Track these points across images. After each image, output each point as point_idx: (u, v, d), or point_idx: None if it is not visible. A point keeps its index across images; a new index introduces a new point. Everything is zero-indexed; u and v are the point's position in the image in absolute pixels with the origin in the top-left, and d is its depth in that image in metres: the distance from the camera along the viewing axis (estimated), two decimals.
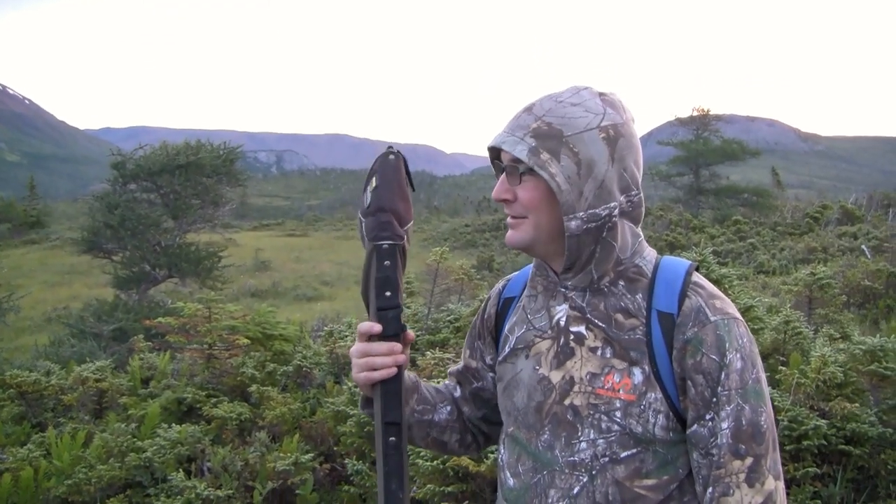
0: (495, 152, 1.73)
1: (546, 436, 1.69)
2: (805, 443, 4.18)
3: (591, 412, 1.63)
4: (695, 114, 44.47)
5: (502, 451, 1.83)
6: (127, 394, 6.69)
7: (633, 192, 1.67)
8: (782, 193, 50.44)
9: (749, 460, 1.53)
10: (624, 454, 1.61)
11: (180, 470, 4.71)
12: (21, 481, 4.95)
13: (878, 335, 5.18)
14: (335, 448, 5.22)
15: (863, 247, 20.28)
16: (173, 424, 5.41)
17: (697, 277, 1.68)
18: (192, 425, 5.41)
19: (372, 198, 1.76)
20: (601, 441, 1.62)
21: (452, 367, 2.09)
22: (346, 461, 4.85)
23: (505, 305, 1.93)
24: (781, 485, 1.57)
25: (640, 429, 1.59)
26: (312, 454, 4.88)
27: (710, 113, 44.68)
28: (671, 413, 1.60)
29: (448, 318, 7.69)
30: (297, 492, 4.67)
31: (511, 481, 1.75)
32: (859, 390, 4.80)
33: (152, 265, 20.80)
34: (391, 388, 1.72)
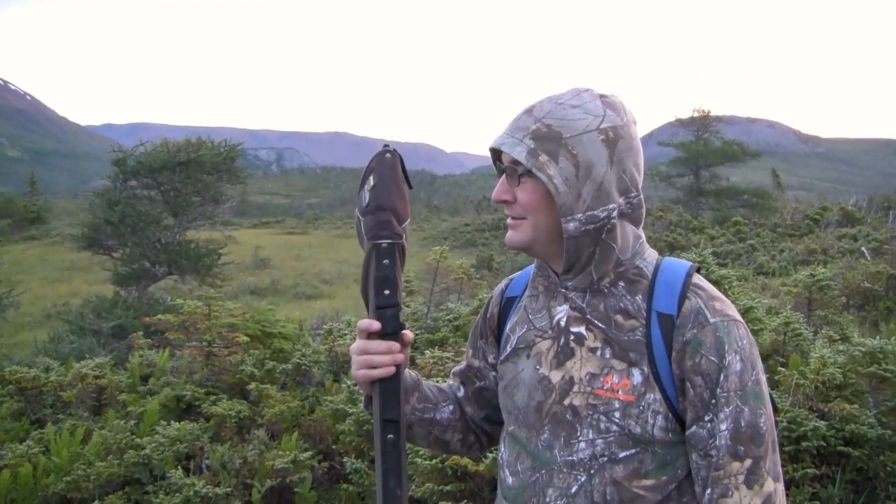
0: (496, 153, 1.74)
1: (546, 435, 1.69)
2: (804, 444, 4.19)
3: (590, 412, 1.63)
4: (695, 115, 44.44)
5: (502, 449, 1.84)
6: (126, 391, 6.69)
7: (632, 194, 1.67)
8: (782, 195, 50.42)
9: (748, 462, 1.53)
10: (622, 454, 1.61)
11: (179, 467, 4.72)
12: (20, 477, 4.95)
13: (877, 337, 5.19)
14: (334, 446, 5.22)
15: (863, 249, 20.29)
16: (172, 422, 5.42)
17: (698, 279, 1.68)
18: (191, 423, 5.41)
19: (370, 196, 1.77)
20: (600, 441, 1.62)
21: (456, 367, 2.10)
22: (345, 460, 4.85)
23: (507, 305, 1.94)
24: (781, 487, 1.57)
25: (638, 429, 1.60)
26: (311, 452, 4.88)
27: (711, 114, 44.65)
28: (670, 414, 1.60)
29: (447, 317, 7.69)
30: (295, 490, 4.68)
31: (510, 480, 1.76)
32: (859, 392, 4.81)
33: (152, 262, 20.82)
34: (390, 387, 1.73)
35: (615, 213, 1.64)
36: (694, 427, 1.59)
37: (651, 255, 1.73)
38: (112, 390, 6.62)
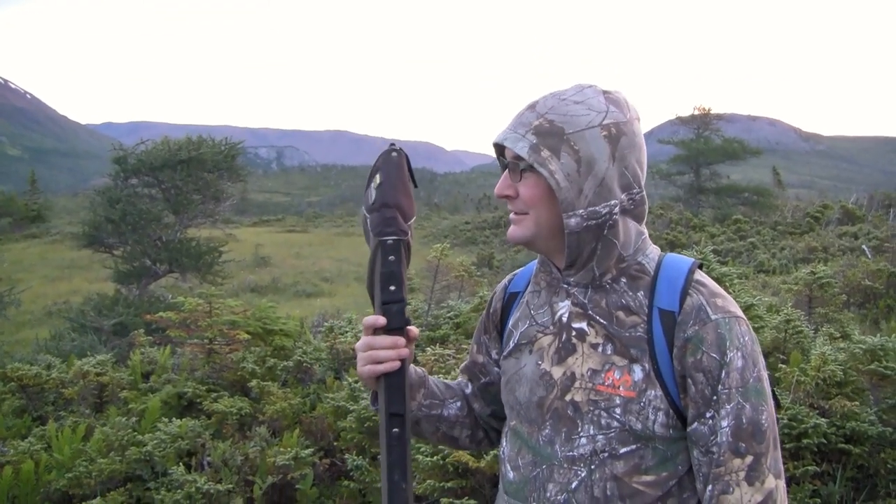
0: (500, 149, 1.74)
1: (547, 431, 1.70)
2: (805, 441, 4.19)
3: (591, 408, 1.64)
4: (696, 112, 44.39)
5: (504, 444, 1.84)
6: (127, 388, 6.70)
7: (634, 190, 1.67)
8: (783, 193, 50.39)
9: (749, 459, 1.54)
10: (623, 450, 1.62)
11: (181, 464, 4.72)
12: (22, 474, 4.96)
13: (878, 335, 5.19)
14: (335, 443, 5.23)
15: (863, 247, 20.28)
16: (174, 419, 5.42)
17: (700, 275, 1.69)
18: (193, 420, 5.42)
19: (376, 194, 1.77)
20: (601, 437, 1.63)
21: (463, 364, 2.10)
22: (347, 456, 4.86)
23: (510, 300, 1.94)
24: (782, 483, 1.57)
25: (639, 426, 1.60)
26: (312, 449, 4.89)
27: (712, 112, 44.61)
28: (671, 410, 1.61)
29: (448, 314, 7.69)
30: (296, 486, 4.68)
31: (511, 474, 1.77)
32: (859, 389, 4.81)
33: (153, 260, 20.81)
34: (395, 381, 1.73)
35: (617, 209, 1.64)
36: (695, 424, 1.59)
37: (653, 251, 1.73)
38: (113, 387, 6.63)
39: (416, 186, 1.85)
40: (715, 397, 1.56)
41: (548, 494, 1.67)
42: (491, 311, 2.00)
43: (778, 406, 1.64)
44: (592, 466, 1.63)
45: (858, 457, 4.35)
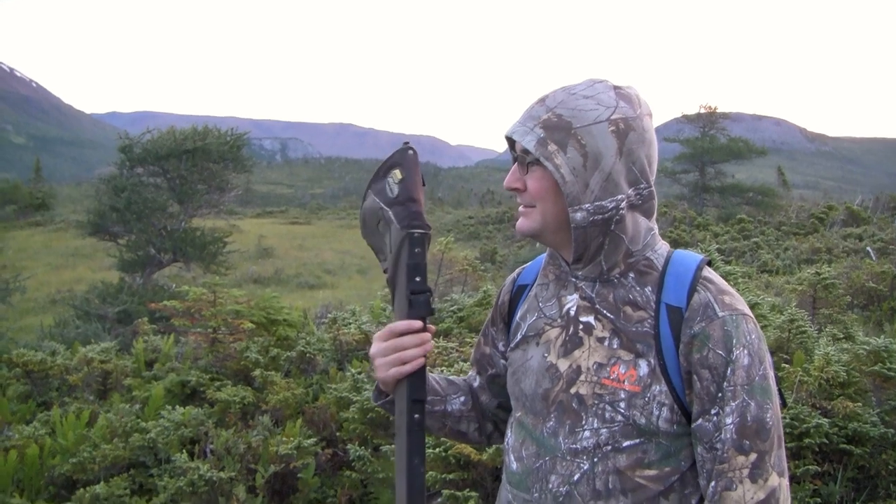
0: (512, 142, 1.75)
1: (551, 422, 1.71)
2: (806, 440, 4.19)
3: (596, 401, 1.64)
4: (702, 111, 44.31)
5: (509, 435, 1.85)
6: (131, 375, 6.73)
7: (642, 186, 1.67)
8: (788, 193, 50.32)
9: (753, 456, 1.54)
10: (626, 444, 1.62)
11: (183, 451, 4.74)
12: (26, 458, 4.99)
13: (881, 337, 5.19)
14: (338, 434, 5.24)
15: (868, 248, 20.26)
16: (177, 406, 5.44)
17: (708, 272, 1.69)
18: (196, 408, 5.43)
19: (400, 189, 1.79)
20: (604, 430, 1.63)
21: (472, 356, 2.12)
22: (349, 447, 4.87)
23: (518, 293, 1.95)
24: (785, 482, 1.58)
25: (643, 420, 1.61)
26: (315, 439, 4.90)
27: (717, 110, 44.53)
28: (676, 406, 1.61)
29: (452, 307, 7.70)
30: (298, 476, 4.69)
31: (514, 465, 1.78)
32: (862, 390, 4.81)
33: (157, 249, 20.84)
34: (418, 369, 1.76)
35: (624, 204, 1.64)
36: (700, 420, 1.59)
37: (662, 247, 1.73)
38: (117, 375, 6.66)
39: (424, 185, 1.86)
40: (720, 394, 1.56)
41: (550, 486, 1.68)
42: (499, 303, 2.01)
43: (784, 405, 1.64)
44: (595, 459, 1.64)
45: (860, 458, 4.34)
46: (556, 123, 1.63)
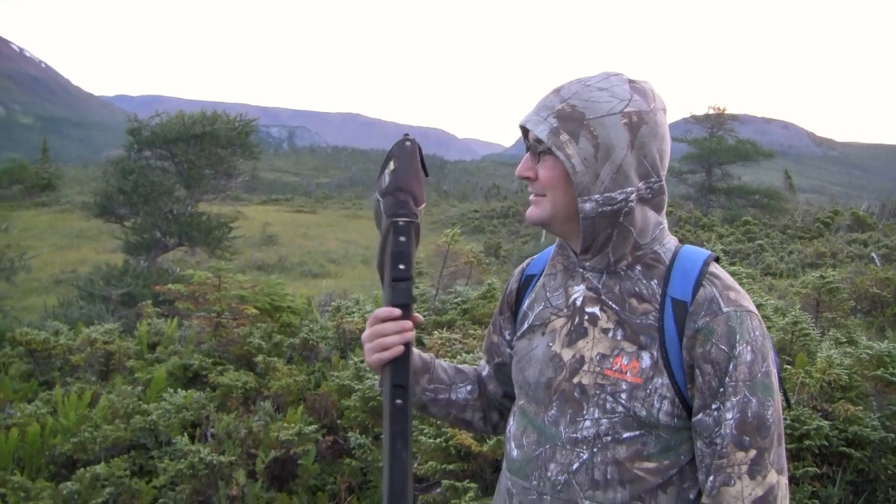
0: (526, 131, 1.75)
1: (553, 411, 1.72)
2: (806, 442, 4.20)
3: (598, 392, 1.65)
4: (710, 112, 44.23)
5: (511, 422, 1.86)
6: (134, 357, 6.75)
7: (653, 179, 1.68)
8: (794, 197, 50.21)
9: (752, 453, 1.54)
10: (626, 435, 1.63)
11: (184, 434, 4.76)
12: (27, 437, 5.01)
13: (884, 342, 5.19)
14: (338, 421, 5.25)
15: (872, 254, 20.25)
16: (179, 390, 5.46)
17: (715, 268, 1.69)
18: (198, 391, 5.45)
19: (390, 179, 1.81)
20: (605, 421, 1.64)
21: (483, 344, 2.13)
22: (349, 435, 4.89)
23: (526, 282, 1.96)
24: (784, 480, 1.58)
25: (644, 412, 1.61)
26: (316, 426, 4.91)
27: (726, 112, 44.45)
28: (677, 400, 1.61)
29: (455, 299, 7.71)
30: (299, 462, 4.71)
31: (515, 452, 1.79)
32: (863, 394, 4.81)
33: (163, 232, 20.85)
34: (403, 355, 1.78)
35: (633, 197, 1.65)
36: (700, 414, 1.60)
37: (671, 241, 1.74)
38: (120, 356, 6.68)
39: (427, 175, 1.87)
40: (722, 389, 1.57)
41: (549, 474, 1.69)
42: (507, 292, 2.02)
43: (788, 406, 1.65)
44: (595, 449, 1.65)
45: (859, 461, 4.35)
46: (570, 114, 1.64)
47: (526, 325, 1.85)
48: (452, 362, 2.19)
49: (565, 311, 1.76)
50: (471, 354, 5.03)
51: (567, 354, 1.71)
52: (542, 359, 1.76)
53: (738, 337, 1.58)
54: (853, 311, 10.85)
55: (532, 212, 1.76)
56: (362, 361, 5.41)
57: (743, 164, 42.94)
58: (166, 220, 21.07)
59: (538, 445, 1.73)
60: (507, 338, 1.99)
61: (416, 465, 4.50)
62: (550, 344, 1.76)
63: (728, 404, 1.56)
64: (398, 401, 1.73)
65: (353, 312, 7.11)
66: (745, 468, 1.54)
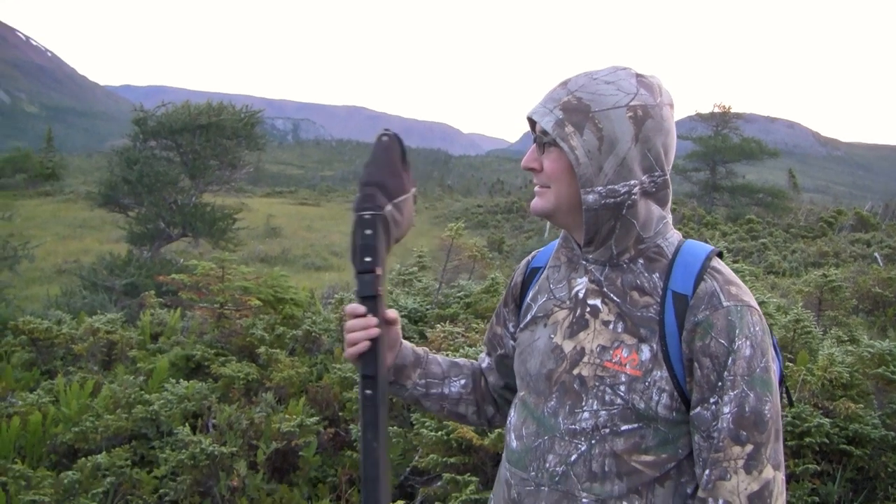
0: (533, 123, 1.76)
1: (552, 402, 1.73)
2: (807, 440, 4.20)
3: (597, 384, 1.66)
4: (716, 110, 44.24)
5: (512, 414, 1.87)
6: (136, 347, 6.75)
7: (656, 173, 1.69)
8: (797, 196, 50.21)
9: (749, 447, 1.55)
10: (624, 427, 1.64)
11: (186, 425, 4.76)
12: (29, 425, 5.02)
13: (886, 341, 5.19)
14: (340, 413, 5.26)
15: (875, 254, 20.25)
16: (181, 380, 5.46)
17: (717, 262, 1.70)
18: (200, 382, 5.45)
19: (363, 174, 1.85)
20: (603, 412, 1.65)
21: (485, 335, 2.14)
22: (351, 427, 4.90)
23: (531, 275, 1.97)
24: (781, 476, 1.58)
25: (642, 405, 1.62)
26: (317, 418, 4.91)
27: (731, 110, 44.44)
28: (676, 393, 1.62)
29: (458, 293, 7.71)
30: (300, 453, 4.71)
31: (514, 443, 1.80)
32: (864, 392, 4.82)
33: (167, 223, 20.83)
34: (371, 347, 1.82)
35: (637, 190, 1.66)
36: (698, 408, 1.60)
37: (674, 236, 1.75)
38: (122, 346, 6.68)
39: (405, 162, 1.89)
40: (720, 383, 1.57)
41: (547, 465, 1.70)
42: (512, 284, 2.03)
43: (790, 404, 1.65)
44: (593, 441, 1.65)
45: (859, 459, 4.36)
46: (576, 106, 1.65)
47: (529, 317, 1.86)
48: (455, 355, 2.21)
49: (568, 302, 1.77)
50: (473, 348, 5.03)
51: (568, 346, 1.72)
52: (544, 350, 1.77)
53: (737, 331, 1.58)
54: (855, 310, 10.87)
55: (536, 203, 1.77)
56: None
57: (747, 163, 42.95)
58: (170, 210, 21.03)
59: (537, 436, 1.74)
60: (511, 330, 2.00)
61: (416, 457, 4.51)
62: (552, 335, 1.76)
63: (726, 398, 1.56)
64: (367, 391, 1.77)
65: None
66: (741, 463, 1.55)
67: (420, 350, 2.05)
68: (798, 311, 5.86)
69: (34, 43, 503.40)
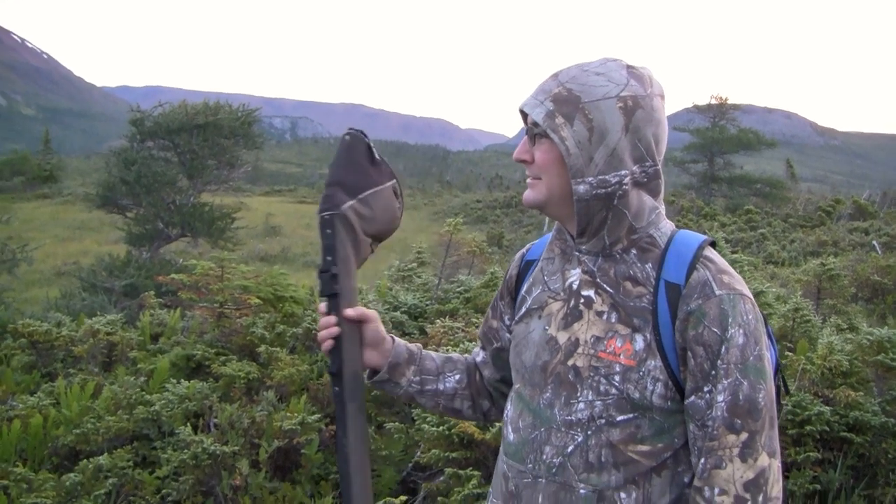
0: (525, 115, 1.77)
1: (548, 394, 1.73)
2: (808, 428, 4.21)
3: (592, 374, 1.67)
4: (713, 101, 44.20)
5: (508, 406, 1.88)
6: (136, 348, 6.74)
7: (647, 164, 1.69)
8: (796, 186, 50.19)
9: (744, 435, 1.55)
10: (620, 418, 1.64)
11: (188, 424, 4.75)
12: (30, 428, 5.01)
13: (885, 328, 5.20)
14: None
15: (874, 242, 20.26)
16: (182, 380, 5.45)
17: (710, 252, 1.70)
18: (201, 382, 5.45)
19: (327, 175, 1.92)
20: (598, 403, 1.65)
21: (480, 329, 2.15)
22: None
23: (525, 267, 1.97)
24: (776, 463, 1.59)
25: (637, 395, 1.62)
26: (319, 416, 4.91)
27: (728, 101, 44.40)
28: (670, 382, 1.63)
29: (458, 289, 7.71)
30: (302, 451, 4.71)
31: (511, 436, 1.81)
32: (864, 380, 4.83)
33: (166, 223, 20.80)
34: (335, 346, 1.87)
35: (628, 180, 1.66)
36: (692, 397, 1.61)
37: (667, 226, 1.75)
38: (123, 347, 6.67)
39: (374, 157, 1.94)
40: (713, 372, 1.57)
41: (544, 457, 1.70)
42: (507, 277, 2.03)
43: (787, 392, 1.65)
44: (589, 432, 1.66)
45: (860, 446, 4.36)
46: (566, 97, 1.65)
47: (524, 309, 1.87)
48: (455, 351, 2.21)
49: (562, 294, 1.77)
50: (473, 343, 5.03)
51: (562, 337, 1.73)
52: (539, 342, 1.78)
53: (730, 320, 1.58)
54: (854, 298, 10.88)
55: (528, 194, 1.77)
56: None
57: (745, 154, 42.96)
58: (169, 210, 21.01)
59: (533, 428, 1.74)
60: (507, 322, 2.00)
61: (418, 452, 4.51)
62: (547, 327, 1.77)
63: (720, 387, 1.57)
64: (335, 388, 1.83)
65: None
66: (736, 451, 1.55)
67: (414, 347, 2.05)
68: (797, 300, 5.87)
69: (30, 45, 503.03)
